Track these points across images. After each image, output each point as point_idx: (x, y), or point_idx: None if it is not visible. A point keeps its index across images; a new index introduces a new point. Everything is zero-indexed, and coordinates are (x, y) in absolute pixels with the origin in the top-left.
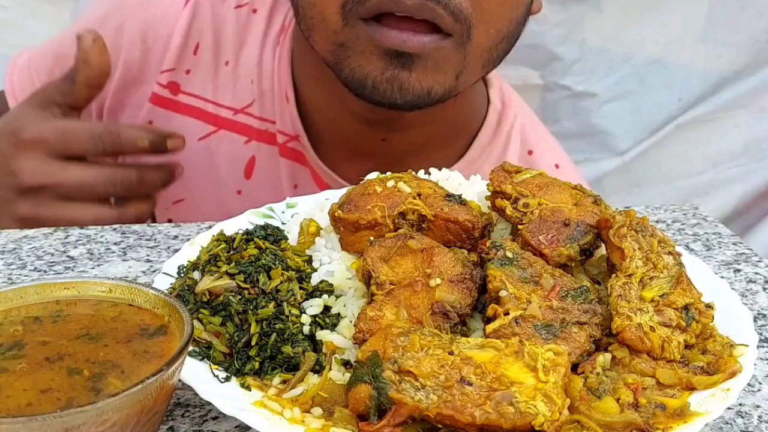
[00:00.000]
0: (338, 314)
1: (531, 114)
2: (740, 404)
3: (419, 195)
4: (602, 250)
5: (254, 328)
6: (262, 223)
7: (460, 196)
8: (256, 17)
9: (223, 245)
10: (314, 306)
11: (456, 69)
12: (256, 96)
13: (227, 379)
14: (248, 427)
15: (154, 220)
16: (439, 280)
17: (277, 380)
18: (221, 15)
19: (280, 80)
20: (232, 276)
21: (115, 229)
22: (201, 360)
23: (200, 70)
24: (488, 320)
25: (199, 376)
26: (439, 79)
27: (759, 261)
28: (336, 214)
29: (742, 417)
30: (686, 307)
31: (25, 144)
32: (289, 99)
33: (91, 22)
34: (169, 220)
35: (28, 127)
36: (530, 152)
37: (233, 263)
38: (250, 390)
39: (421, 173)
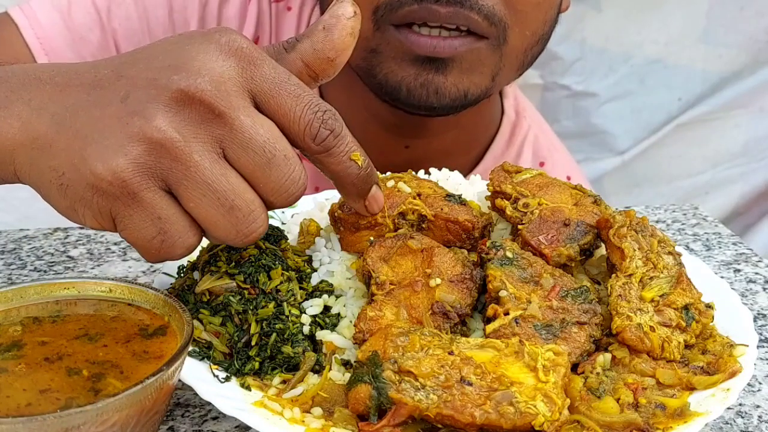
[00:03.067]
0: (338, 314)
1: (544, 124)
2: (740, 404)
3: (419, 195)
4: (602, 250)
5: (254, 328)
6: None
7: (460, 196)
8: (290, 15)
9: (223, 245)
10: (314, 306)
11: (492, 70)
12: None
13: (227, 379)
14: (248, 427)
15: None
16: (439, 280)
17: (277, 380)
18: (270, 10)
19: None
20: (232, 276)
21: None
22: (201, 360)
23: None
24: (488, 320)
25: (199, 376)
26: (475, 81)
27: (759, 261)
28: (336, 214)
29: (742, 417)
30: (686, 307)
31: (211, 80)
32: None
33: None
34: None
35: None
36: (542, 163)
37: (233, 263)
38: (250, 390)
39: (421, 173)
